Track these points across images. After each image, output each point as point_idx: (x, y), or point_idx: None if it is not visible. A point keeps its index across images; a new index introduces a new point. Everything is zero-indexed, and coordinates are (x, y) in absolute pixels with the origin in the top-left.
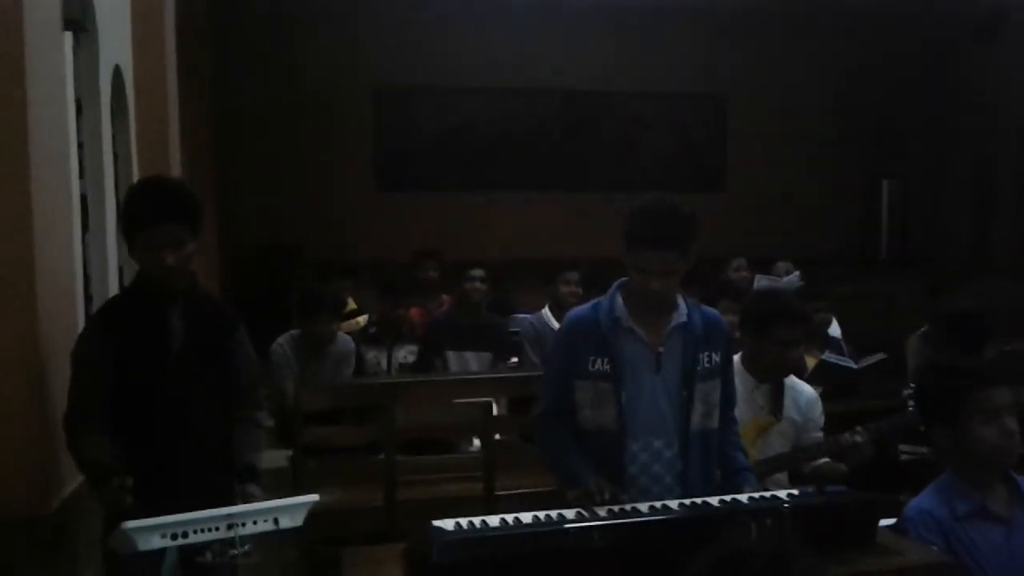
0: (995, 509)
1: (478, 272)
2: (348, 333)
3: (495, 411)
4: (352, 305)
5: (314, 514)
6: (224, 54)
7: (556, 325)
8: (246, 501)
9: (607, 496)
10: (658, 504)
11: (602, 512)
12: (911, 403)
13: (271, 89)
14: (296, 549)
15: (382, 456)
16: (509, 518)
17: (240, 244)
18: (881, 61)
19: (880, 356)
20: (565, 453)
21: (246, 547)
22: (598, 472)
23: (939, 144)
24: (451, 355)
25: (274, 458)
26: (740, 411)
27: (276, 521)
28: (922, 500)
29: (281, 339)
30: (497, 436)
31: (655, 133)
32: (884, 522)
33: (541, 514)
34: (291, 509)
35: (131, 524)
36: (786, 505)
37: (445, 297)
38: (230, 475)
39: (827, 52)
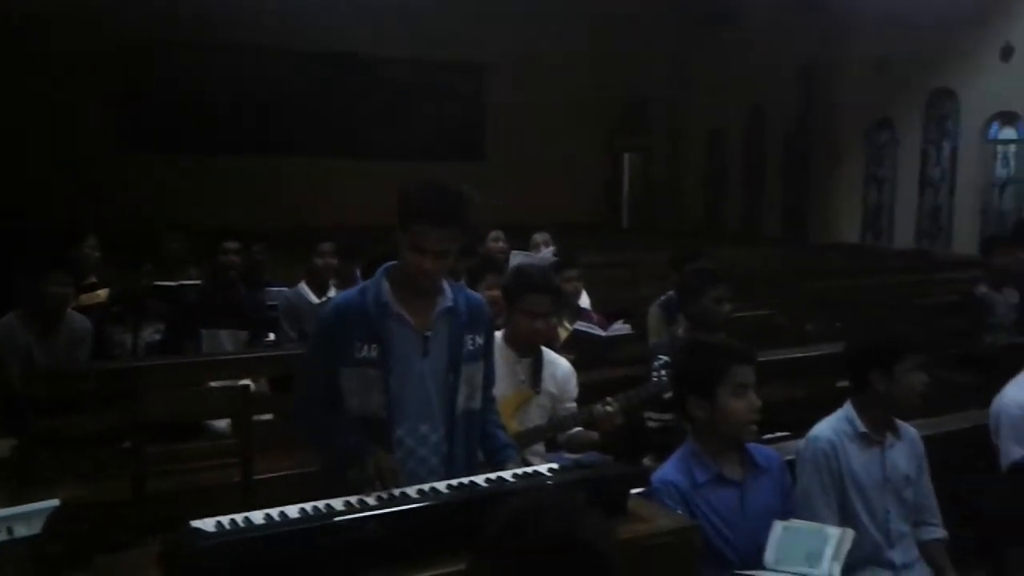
0: (729, 474)
1: (232, 244)
2: (88, 307)
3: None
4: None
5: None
6: None
7: (314, 299)
8: None
9: (393, 467)
10: (426, 487)
11: (371, 500)
12: (659, 374)
13: (9, 41)
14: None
15: (128, 445)
16: (274, 513)
17: None
18: (629, 41)
19: (626, 329)
20: (338, 431)
21: None
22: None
23: (677, 120)
24: (204, 333)
25: None
26: (502, 385)
27: (10, 531)
28: (665, 471)
29: (6, 317)
30: (259, 417)
31: (418, 101)
32: (634, 491)
33: (308, 506)
34: (27, 517)
35: None
36: (548, 482)
37: (192, 271)
38: None
39: (579, 32)
